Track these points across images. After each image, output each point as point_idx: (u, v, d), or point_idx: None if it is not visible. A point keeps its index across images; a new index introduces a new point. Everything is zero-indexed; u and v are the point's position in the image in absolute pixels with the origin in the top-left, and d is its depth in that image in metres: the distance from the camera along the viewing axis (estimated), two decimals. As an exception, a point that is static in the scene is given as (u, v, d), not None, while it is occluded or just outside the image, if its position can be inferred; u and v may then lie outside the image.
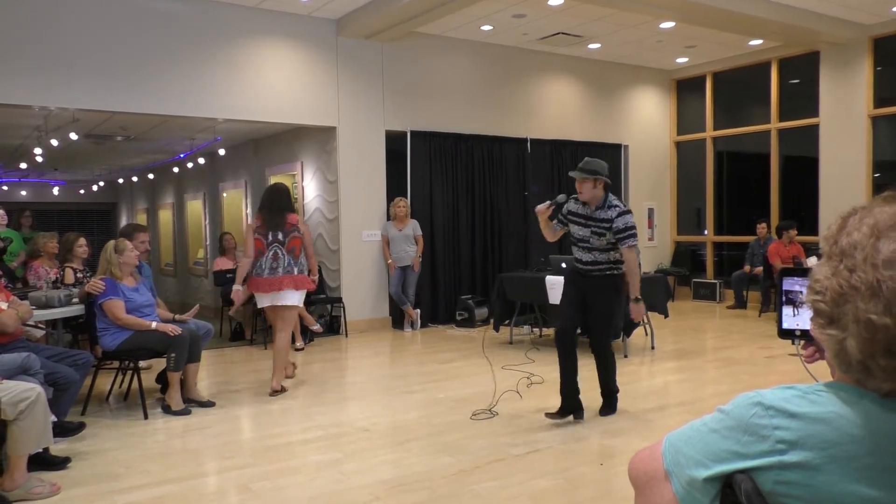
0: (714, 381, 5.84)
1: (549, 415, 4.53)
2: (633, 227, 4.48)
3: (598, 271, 4.56)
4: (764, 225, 9.74)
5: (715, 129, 10.89)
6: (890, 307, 0.88)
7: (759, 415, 0.95)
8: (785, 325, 1.40)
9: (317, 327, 7.44)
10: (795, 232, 8.98)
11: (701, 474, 0.98)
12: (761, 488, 0.94)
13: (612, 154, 10.55)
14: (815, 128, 9.60)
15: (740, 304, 9.86)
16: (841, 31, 8.68)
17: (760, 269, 9.44)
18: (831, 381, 0.98)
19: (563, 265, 6.93)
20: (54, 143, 9.28)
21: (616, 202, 4.53)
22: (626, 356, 6.53)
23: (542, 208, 4.61)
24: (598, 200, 4.50)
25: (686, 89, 11.29)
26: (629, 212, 4.52)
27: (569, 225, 4.69)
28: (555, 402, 5.00)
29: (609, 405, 4.73)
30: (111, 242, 4.98)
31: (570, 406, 4.55)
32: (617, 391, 4.77)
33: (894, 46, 8.93)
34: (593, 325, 4.70)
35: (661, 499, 1.03)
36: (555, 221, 4.76)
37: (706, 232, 11.11)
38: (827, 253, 0.98)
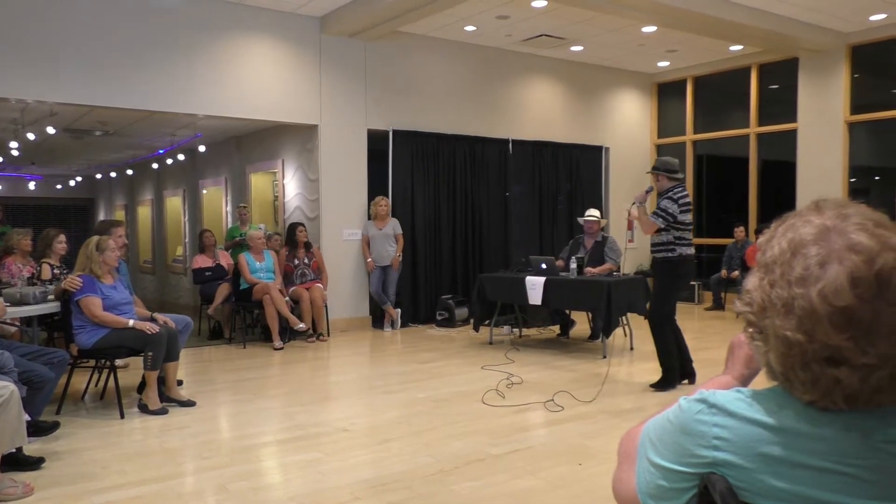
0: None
1: (655, 386, 5.38)
2: (665, 210, 5.18)
3: (656, 251, 5.34)
4: (742, 228, 9.85)
5: (695, 132, 10.99)
6: (802, 324, 0.91)
7: (703, 412, 1.00)
8: None
9: (301, 326, 7.39)
10: None
11: (656, 459, 1.04)
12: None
13: (593, 156, 10.61)
14: (794, 133, 9.73)
15: (718, 305, 9.97)
16: (819, 38, 8.81)
17: (737, 272, 9.54)
18: (771, 387, 1.02)
19: (543, 266, 6.97)
20: (31, 136, 9.14)
21: (674, 193, 5.24)
22: (604, 356, 6.58)
23: (641, 196, 5.45)
24: (661, 190, 5.37)
25: (667, 93, 11.38)
26: (673, 200, 5.21)
27: None
28: (530, 400, 5.03)
29: (660, 381, 5.38)
30: (93, 239, 4.91)
31: (684, 372, 5.42)
32: (671, 369, 5.34)
33: (871, 54, 9.07)
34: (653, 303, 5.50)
35: (628, 477, 1.10)
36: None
37: (685, 234, 11.19)
38: (757, 262, 1.01)
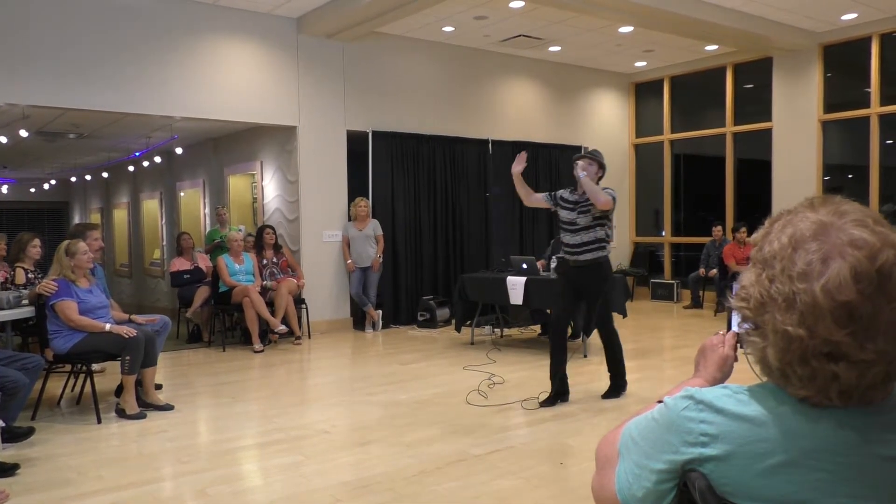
0: (672, 380, 5.93)
1: (542, 403, 4.88)
2: (615, 195, 4.91)
3: (582, 252, 4.90)
4: (719, 227, 9.95)
5: (672, 132, 11.09)
6: (804, 319, 0.91)
7: (690, 408, 1.00)
8: (734, 329, 1.43)
9: (281, 328, 7.34)
10: (745, 232, 9.22)
11: (640, 460, 1.03)
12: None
13: (572, 155, 10.61)
14: (769, 132, 9.85)
15: (696, 303, 10.06)
16: (793, 38, 8.92)
17: (715, 270, 9.64)
18: (761, 383, 1.02)
19: (524, 265, 6.98)
20: (3, 139, 9.00)
21: (607, 188, 4.97)
22: (585, 356, 6.61)
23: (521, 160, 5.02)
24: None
25: (644, 93, 11.47)
26: (613, 190, 5.00)
27: (558, 210, 5.08)
28: (512, 400, 5.04)
29: (614, 388, 5.08)
30: (65, 243, 4.85)
31: (560, 390, 4.94)
32: (622, 374, 5.10)
33: (843, 54, 9.21)
34: (592, 312, 5.07)
35: (609, 481, 1.09)
36: (544, 195, 5.13)
37: (664, 233, 11.30)
38: (753, 259, 1.01)
